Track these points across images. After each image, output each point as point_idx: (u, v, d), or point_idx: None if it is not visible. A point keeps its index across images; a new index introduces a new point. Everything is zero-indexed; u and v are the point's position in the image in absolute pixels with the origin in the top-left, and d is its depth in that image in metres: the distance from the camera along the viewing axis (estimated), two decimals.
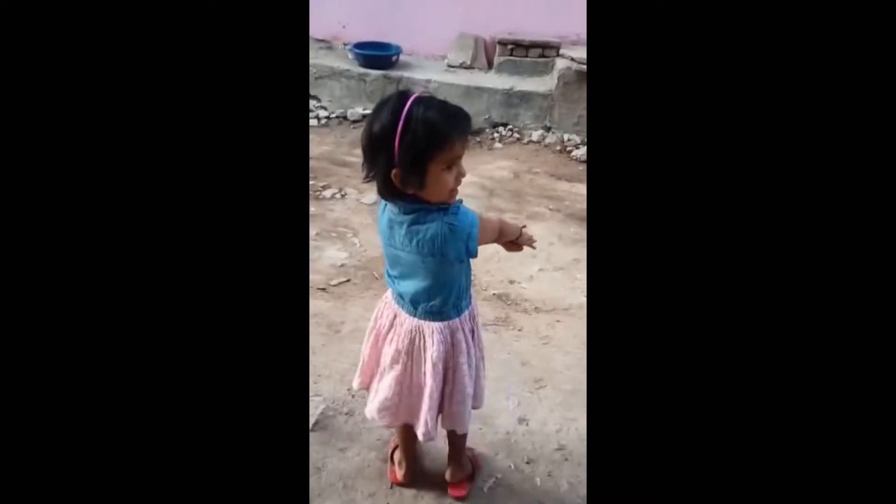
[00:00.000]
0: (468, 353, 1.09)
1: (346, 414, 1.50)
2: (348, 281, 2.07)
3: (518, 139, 3.42)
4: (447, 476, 1.28)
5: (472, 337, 1.11)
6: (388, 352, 1.11)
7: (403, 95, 0.91)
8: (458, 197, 0.99)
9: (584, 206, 2.76)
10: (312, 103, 3.59)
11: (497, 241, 1.11)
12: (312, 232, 2.37)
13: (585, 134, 3.43)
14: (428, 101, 0.90)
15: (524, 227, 1.16)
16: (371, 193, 2.70)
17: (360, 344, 1.85)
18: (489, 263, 2.20)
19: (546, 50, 3.56)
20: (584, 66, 3.30)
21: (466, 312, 1.09)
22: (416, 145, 0.88)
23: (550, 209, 2.69)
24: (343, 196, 2.67)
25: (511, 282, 2.13)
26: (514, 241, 1.13)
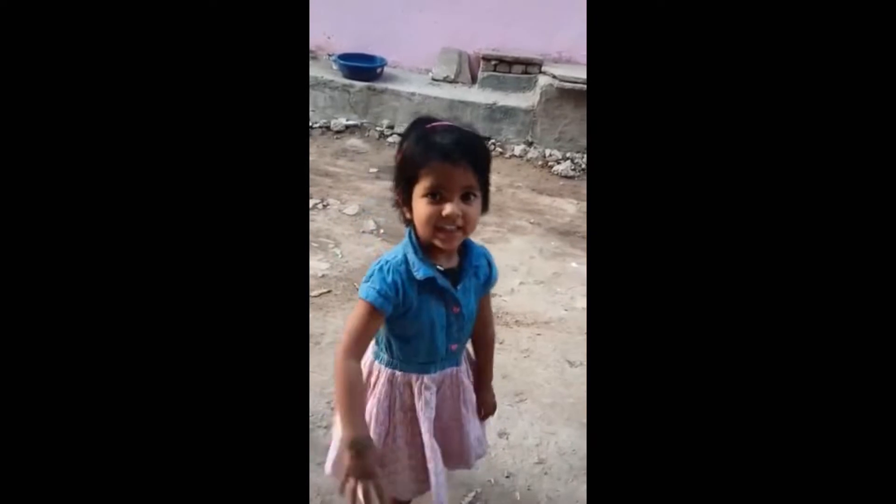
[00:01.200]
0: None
1: (325, 427, 1.48)
2: (329, 292, 2.05)
3: (500, 153, 3.46)
4: None
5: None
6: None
7: (418, 122, 0.89)
8: (471, 243, 0.93)
9: (565, 220, 2.80)
10: None
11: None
12: None
13: (566, 149, 3.49)
14: (433, 129, 0.85)
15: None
16: (353, 204, 2.70)
17: None
18: None
19: (529, 66, 3.63)
20: (566, 84, 3.37)
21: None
22: (399, 168, 0.87)
23: (532, 223, 2.72)
24: (325, 206, 2.66)
25: (491, 295, 2.14)
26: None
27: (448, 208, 0.82)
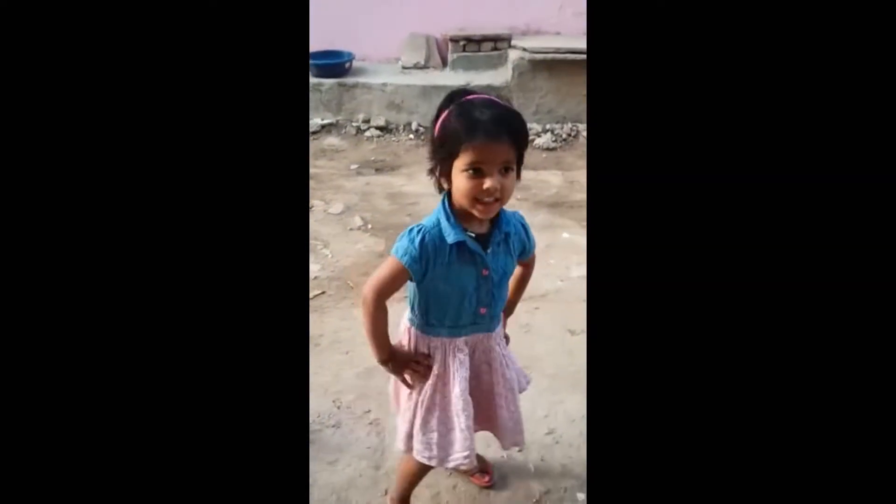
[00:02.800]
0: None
1: (333, 427, 1.48)
2: (323, 293, 2.05)
3: None
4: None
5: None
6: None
7: (455, 95, 0.92)
8: (508, 212, 0.98)
9: (551, 192, 2.78)
10: None
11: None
12: None
13: (545, 121, 3.46)
14: (472, 103, 0.88)
15: None
16: (338, 203, 2.68)
17: (341, 355, 1.85)
18: None
19: (498, 42, 3.58)
20: (537, 55, 3.33)
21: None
22: (439, 143, 0.90)
23: (518, 198, 2.70)
24: (310, 208, 2.64)
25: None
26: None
27: (488, 182, 0.86)
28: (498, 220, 0.97)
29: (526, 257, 1.07)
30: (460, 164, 0.87)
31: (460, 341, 1.02)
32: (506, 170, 0.88)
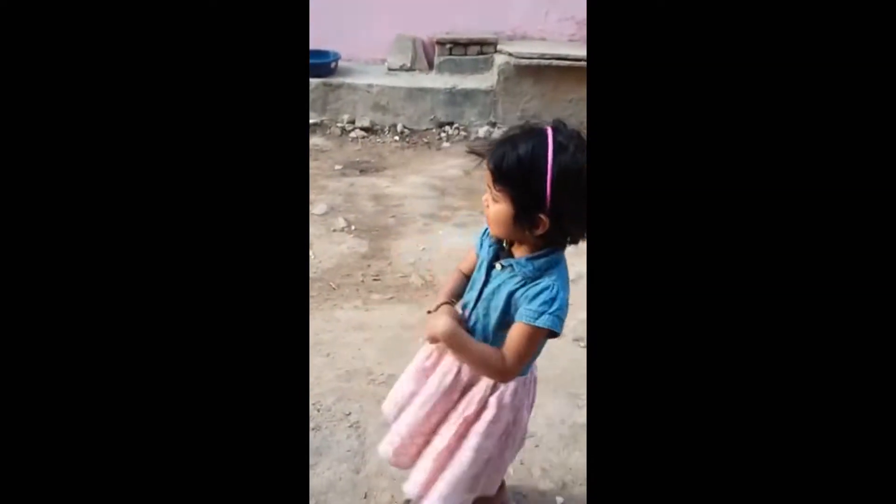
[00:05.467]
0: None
1: (313, 429, 1.47)
2: None
3: (465, 137, 3.45)
4: None
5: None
6: None
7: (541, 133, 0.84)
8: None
9: None
10: None
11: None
12: None
13: None
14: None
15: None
16: (321, 204, 2.66)
17: (322, 357, 1.83)
18: (449, 259, 2.20)
19: (484, 47, 3.61)
20: (523, 60, 3.36)
21: None
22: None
23: None
24: None
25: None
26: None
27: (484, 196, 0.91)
28: (533, 259, 0.89)
29: (525, 319, 0.88)
30: None
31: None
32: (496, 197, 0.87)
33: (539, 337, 0.88)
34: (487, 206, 0.90)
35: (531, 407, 1.03)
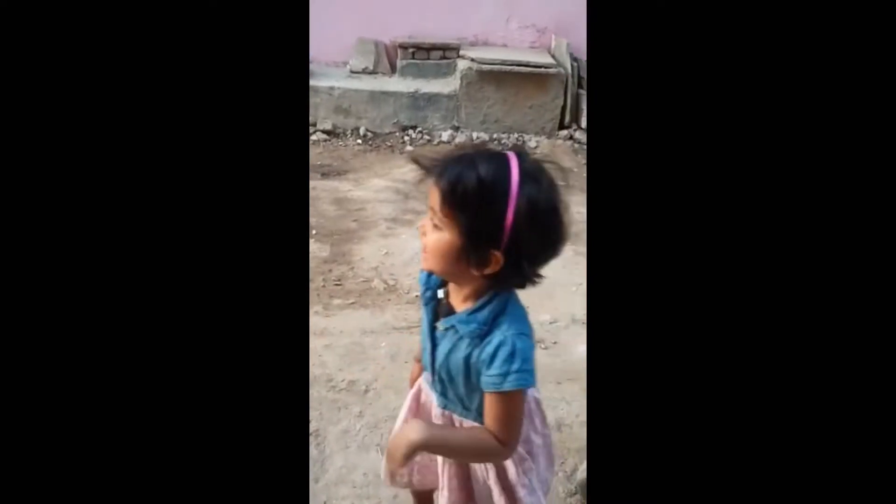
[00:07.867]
0: None
1: None
2: None
3: (428, 140, 3.45)
4: None
5: None
6: None
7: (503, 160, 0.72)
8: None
9: None
10: None
11: None
12: None
13: (493, 131, 3.53)
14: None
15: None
16: None
17: None
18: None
19: (447, 52, 3.62)
20: (485, 66, 3.40)
21: None
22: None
23: None
24: None
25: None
26: None
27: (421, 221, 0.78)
28: (473, 313, 0.76)
29: (487, 386, 0.77)
30: None
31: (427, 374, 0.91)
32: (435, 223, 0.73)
33: (516, 398, 0.77)
34: (424, 234, 0.75)
35: (543, 421, 0.92)
